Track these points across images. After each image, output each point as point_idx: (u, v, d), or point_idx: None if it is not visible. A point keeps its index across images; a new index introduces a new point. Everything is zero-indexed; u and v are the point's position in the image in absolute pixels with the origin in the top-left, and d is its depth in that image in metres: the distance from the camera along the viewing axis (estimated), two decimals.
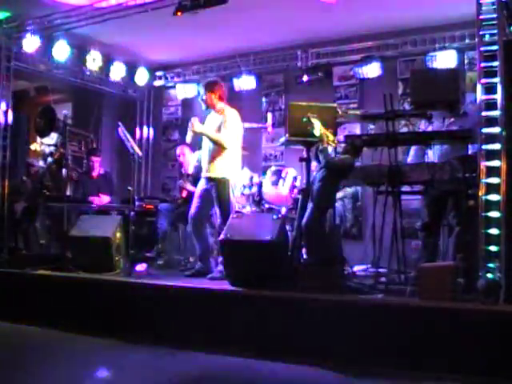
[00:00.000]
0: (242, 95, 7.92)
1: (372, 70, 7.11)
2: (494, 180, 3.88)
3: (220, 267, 5.15)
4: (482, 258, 3.84)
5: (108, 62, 8.08)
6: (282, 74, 8.02)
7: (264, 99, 8.14)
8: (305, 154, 4.99)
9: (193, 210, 5.56)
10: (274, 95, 8.10)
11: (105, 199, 6.94)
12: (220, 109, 5.49)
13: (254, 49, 7.73)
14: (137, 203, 6.83)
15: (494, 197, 3.87)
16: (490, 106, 3.96)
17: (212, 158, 5.44)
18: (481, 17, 4.08)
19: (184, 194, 6.71)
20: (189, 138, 5.60)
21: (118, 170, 8.69)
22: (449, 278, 3.91)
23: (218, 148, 5.40)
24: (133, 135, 7.76)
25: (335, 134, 4.83)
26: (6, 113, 6.72)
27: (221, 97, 5.54)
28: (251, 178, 6.00)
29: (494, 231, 3.84)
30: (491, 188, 3.88)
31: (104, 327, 4.77)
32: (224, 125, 5.40)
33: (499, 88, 3.94)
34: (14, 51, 6.87)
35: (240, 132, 5.56)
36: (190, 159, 6.89)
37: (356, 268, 5.27)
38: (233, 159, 5.49)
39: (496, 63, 3.97)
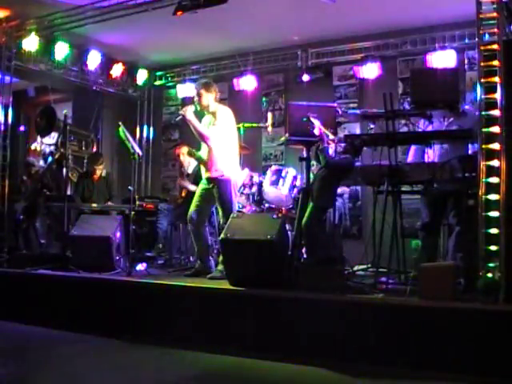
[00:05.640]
0: (242, 95, 7.92)
1: (372, 69, 7.12)
2: (494, 180, 3.88)
3: (220, 267, 5.15)
4: (482, 257, 3.83)
5: (108, 61, 8.08)
6: (282, 73, 8.03)
7: (264, 99, 8.14)
8: (305, 154, 4.98)
9: (192, 209, 5.56)
10: (273, 95, 8.10)
11: None
12: (214, 109, 5.49)
13: (254, 49, 7.74)
14: (137, 203, 6.84)
15: (493, 197, 3.87)
16: (490, 105, 3.95)
17: (211, 158, 5.44)
18: (481, 16, 4.07)
19: (184, 193, 6.71)
20: (177, 118, 5.67)
21: (118, 169, 8.70)
22: (449, 278, 3.91)
23: (217, 148, 5.40)
24: (133, 135, 7.75)
25: (335, 133, 4.83)
26: (6, 113, 6.73)
27: (215, 97, 5.55)
28: (251, 178, 6.00)
29: (493, 231, 3.83)
30: (491, 188, 3.88)
31: (104, 327, 4.77)
32: (214, 122, 5.41)
33: (499, 88, 3.94)
34: (14, 51, 6.88)
35: (233, 130, 5.54)
36: (189, 159, 6.88)
37: (356, 268, 5.27)
38: (231, 158, 5.49)
39: (496, 63, 3.97)
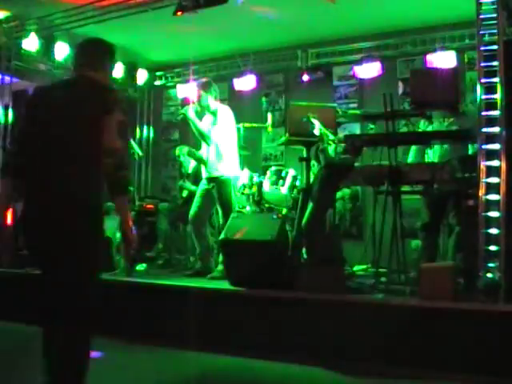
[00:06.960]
0: (242, 95, 7.91)
1: (372, 69, 7.11)
2: (494, 180, 3.88)
3: (220, 267, 5.15)
4: (482, 257, 3.84)
5: None
6: (282, 73, 8.02)
7: (264, 99, 8.12)
8: (305, 154, 4.99)
9: (193, 209, 5.56)
10: (274, 95, 8.10)
11: None
12: (214, 109, 5.50)
13: (254, 49, 7.73)
14: (137, 203, 6.84)
15: (493, 197, 3.87)
16: (490, 105, 3.96)
17: (211, 158, 5.45)
18: (481, 17, 4.08)
19: (184, 193, 6.71)
20: (178, 117, 5.67)
21: None
22: (449, 278, 3.91)
23: (217, 148, 5.40)
24: (133, 135, 7.75)
25: (335, 133, 4.83)
26: (5, 112, 6.72)
27: (215, 97, 5.55)
28: (251, 178, 6.00)
29: (493, 231, 3.84)
30: (491, 188, 3.88)
31: (103, 327, 4.75)
32: (214, 122, 5.42)
33: (499, 88, 3.94)
34: (13, 51, 6.87)
35: (233, 130, 5.55)
36: (189, 159, 6.88)
37: (356, 268, 5.27)
38: (232, 158, 5.49)
39: (496, 63, 3.97)
